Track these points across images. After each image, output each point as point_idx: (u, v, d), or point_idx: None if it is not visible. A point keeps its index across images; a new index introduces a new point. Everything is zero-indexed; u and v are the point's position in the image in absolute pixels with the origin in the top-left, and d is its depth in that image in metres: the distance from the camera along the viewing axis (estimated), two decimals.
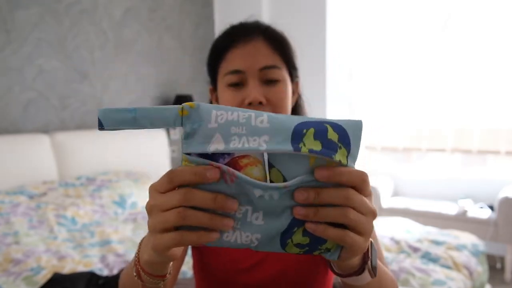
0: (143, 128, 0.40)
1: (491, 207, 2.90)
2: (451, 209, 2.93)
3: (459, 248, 1.93)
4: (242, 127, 0.39)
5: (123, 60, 3.01)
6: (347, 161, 0.39)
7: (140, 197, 2.45)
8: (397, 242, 2.00)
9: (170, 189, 0.40)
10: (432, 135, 3.31)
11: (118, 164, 2.71)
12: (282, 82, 0.76)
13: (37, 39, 2.52)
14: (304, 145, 0.38)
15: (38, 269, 1.59)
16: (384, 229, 2.20)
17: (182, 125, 0.39)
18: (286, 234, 0.41)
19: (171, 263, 0.52)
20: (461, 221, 2.85)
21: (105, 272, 1.59)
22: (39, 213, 2.05)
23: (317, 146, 0.38)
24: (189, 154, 0.39)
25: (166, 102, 3.30)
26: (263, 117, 0.39)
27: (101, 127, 0.39)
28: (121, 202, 2.34)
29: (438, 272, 1.68)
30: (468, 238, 2.07)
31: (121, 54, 2.99)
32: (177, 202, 0.39)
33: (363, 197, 0.41)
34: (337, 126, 0.39)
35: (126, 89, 3.04)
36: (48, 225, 1.99)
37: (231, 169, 0.38)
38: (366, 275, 0.49)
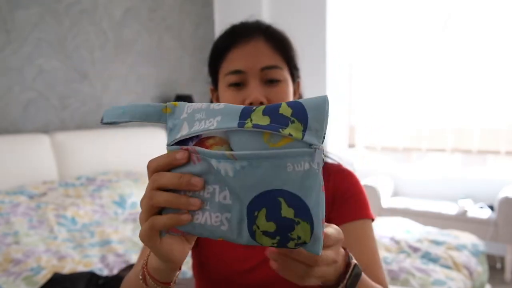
0: (130, 121, 0.44)
1: (491, 207, 2.90)
2: (451, 209, 2.93)
3: (459, 248, 1.93)
4: (203, 112, 0.42)
5: (123, 60, 3.01)
6: (302, 135, 0.37)
7: (140, 197, 2.44)
8: (397, 242, 2.00)
9: None
10: (432, 135, 3.31)
11: (118, 164, 2.71)
12: (283, 82, 0.76)
13: (37, 39, 2.52)
14: (251, 120, 0.38)
15: (38, 269, 1.59)
16: (384, 229, 2.20)
17: (166, 121, 0.44)
18: (250, 220, 0.40)
19: (178, 272, 0.52)
20: (461, 221, 2.85)
21: (105, 272, 1.59)
22: (39, 213, 2.05)
23: (264, 121, 0.38)
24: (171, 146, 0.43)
25: (166, 102, 3.30)
26: (222, 104, 0.41)
27: (101, 121, 0.45)
28: (121, 202, 2.34)
29: (438, 272, 1.68)
30: (468, 238, 2.07)
31: (121, 54, 2.99)
32: (149, 187, 0.42)
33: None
34: (293, 103, 0.39)
35: (126, 89, 3.04)
36: (48, 225, 1.99)
37: (194, 147, 0.41)
38: None
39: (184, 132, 0.42)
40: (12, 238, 1.83)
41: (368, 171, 3.53)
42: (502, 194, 2.76)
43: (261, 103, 0.73)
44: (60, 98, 2.65)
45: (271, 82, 0.75)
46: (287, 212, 0.38)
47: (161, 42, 3.26)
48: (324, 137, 0.39)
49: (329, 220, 0.79)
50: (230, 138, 0.40)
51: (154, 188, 0.42)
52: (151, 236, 0.43)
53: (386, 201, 3.20)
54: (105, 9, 2.87)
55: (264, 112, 0.38)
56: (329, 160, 0.86)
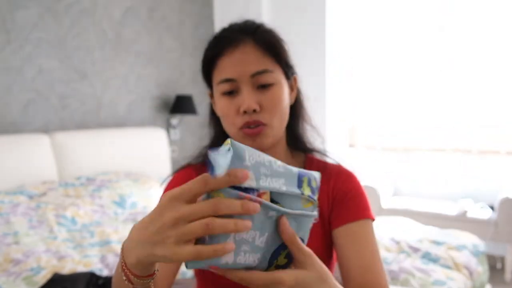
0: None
1: (492, 207, 2.89)
2: (451, 209, 2.93)
3: (459, 248, 1.93)
4: (268, 169, 0.48)
5: (123, 60, 3.01)
6: (316, 200, 0.55)
7: (140, 197, 2.45)
8: (397, 242, 2.00)
9: (196, 200, 0.43)
10: (432, 135, 3.31)
11: (118, 164, 2.71)
12: (276, 84, 0.75)
13: (37, 39, 2.52)
14: (304, 190, 0.52)
15: (38, 269, 1.59)
16: (384, 229, 2.20)
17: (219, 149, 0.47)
18: (274, 255, 0.51)
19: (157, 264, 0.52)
20: (461, 221, 2.85)
21: (105, 272, 1.59)
22: (39, 213, 2.05)
23: (308, 191, 0.53)
24: None
25: (166, 102, 3.30)
26: (279, 163, 0.50)
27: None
28: (121, 202, 2.34)
29: (438, 272, 1.68)
30: (468, 238, 2.07)
31: (121, 54, 2.99)
32: (207, 214, 0.41)
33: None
34: (313, 178, 0.54)
35: (126, 89, 3.04)
36: (48, 225, 1.99)
37: (257, 198, 0.46)
38: None
39: (252, 183, 0.45)
40: (12, 238, 1.83)
41: (368, 171, 3.53)
42: (502, 194, 2.76)
43: (254, 110, 0.73)
44: (59, 98, 2.65)
45: (263, 86, 0.74)
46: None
47: (161, 42, 3.26)
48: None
49: (329, 221, 0.79)
50: (275, 195, 0.49)
51: (212, 214, 0.41)
52: (185, 260, 0.43)
53: (386, 201, 3.20)
54: (105, 9, 2.87)
55: (308, 184, 0.53)
56: (329, 161, 0.85)
